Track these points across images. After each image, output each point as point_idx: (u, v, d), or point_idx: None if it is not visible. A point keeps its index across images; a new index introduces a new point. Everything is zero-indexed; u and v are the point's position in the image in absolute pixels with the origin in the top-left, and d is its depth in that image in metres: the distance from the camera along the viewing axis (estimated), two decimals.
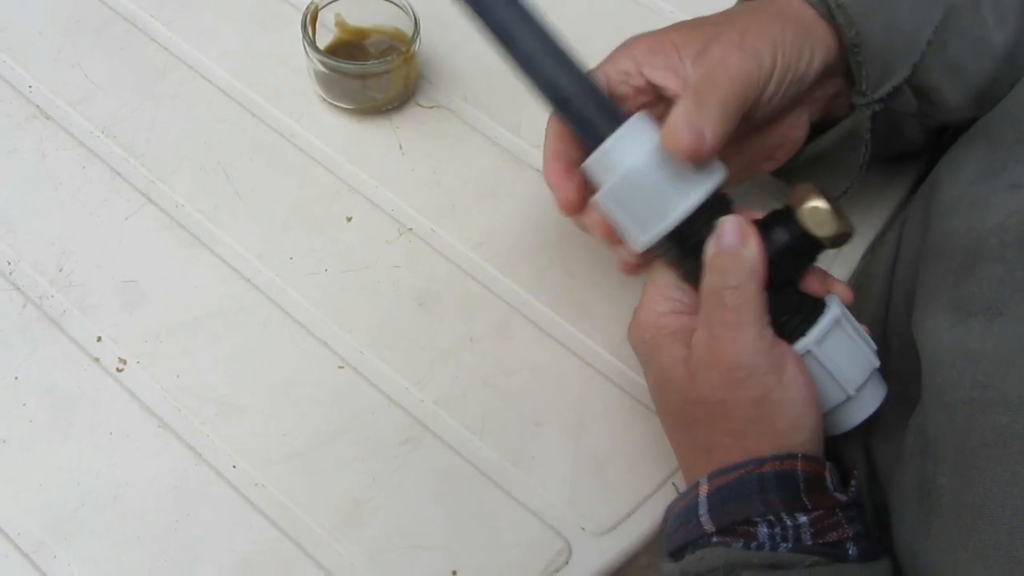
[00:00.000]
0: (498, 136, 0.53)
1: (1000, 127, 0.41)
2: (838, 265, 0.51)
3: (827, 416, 0.38)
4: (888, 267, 0.45)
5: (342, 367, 0.46)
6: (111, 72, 0.54)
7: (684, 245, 0.37)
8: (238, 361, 0.45)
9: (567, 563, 0.42)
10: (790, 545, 0.34)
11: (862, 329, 0.39)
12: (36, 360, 0.45)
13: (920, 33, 0.41)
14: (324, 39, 0.53)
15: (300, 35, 0.51)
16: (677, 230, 0.36)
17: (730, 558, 0.34)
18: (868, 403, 0.39)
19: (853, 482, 0.37)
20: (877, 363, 0.38)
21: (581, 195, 0.39)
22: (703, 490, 0.37)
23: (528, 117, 0.54)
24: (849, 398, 0.38)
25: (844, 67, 0.42)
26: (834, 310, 0.37)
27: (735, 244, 0.36)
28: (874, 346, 0.39)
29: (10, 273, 0.47)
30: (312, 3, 0.51)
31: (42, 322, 0.46)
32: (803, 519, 0.35)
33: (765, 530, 0.35)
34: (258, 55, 0.55)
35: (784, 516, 0.35)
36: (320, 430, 0.44)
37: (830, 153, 0.45)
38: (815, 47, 0.40)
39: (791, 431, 0.36)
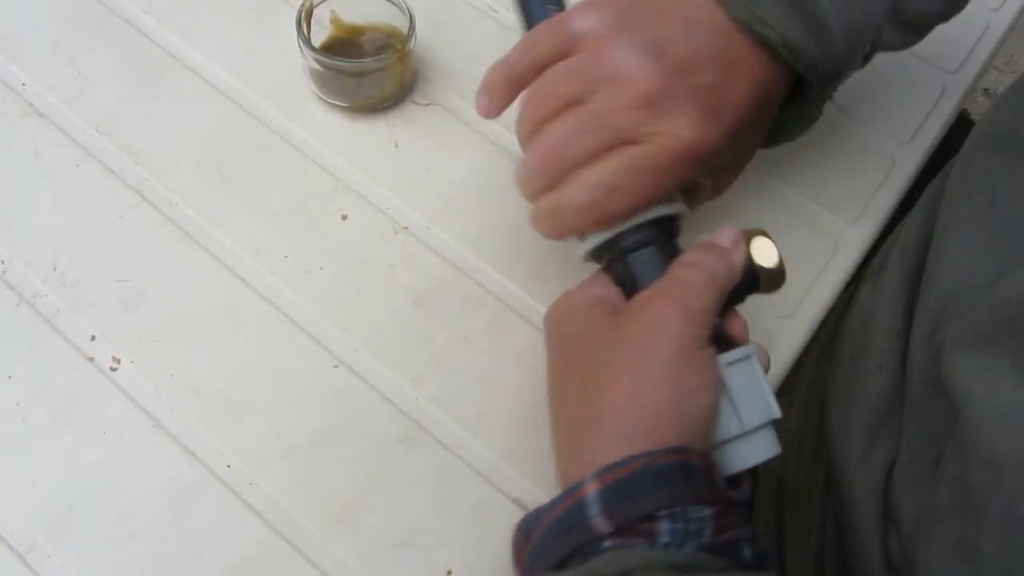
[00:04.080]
0: (494, 134, 0.53)
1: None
2: (823, 281, 0.50)
3: (715, 449, 0.37)
4: (896, 296, 0.44)
5: (337, 366, 0.46)
6: (105, 69, 0.53)
7: (614, 251, 0.39)
8: (232, 360, 0.45)
9: None
10: (695, 544, 0.32)
11: (769, 386, 0.38)
12: (30, 359, 0.45)
13: (868, 27, 0.39)
14: (319, 36, 0.53)
15: (295, 32, 0.50)
16: (611, 240, 0.39)
17: (648, 558, 0.31)
18: (758, 450, 0.37)
19: (745, 484, 0.36)
20: (777, 415, 0.37)
21: (502, 108, 0.40)
22: (591, 488, 0.33)
23: None
24: (744, 433, 0.36)
25: (791, 76, 0.40)
26: (749, 349, 0.38)
27: (726, 245, 0.37)
28: (777, 408, 0.37)
29: (3, 272, 0.47)
30: (307, 0, 0.51)
31: (36, 321, 0.46)
32: (707, 511, 0.33)
33: (667, 525, 0.32)
34: (253, 52, 0.55)
35: (689, 509, 0.32)
36: (315, 429, 0.44)
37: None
38: (772, 102, 0.39)
39: (695, 390, 0.34)
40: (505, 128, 0.53)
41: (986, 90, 1.59)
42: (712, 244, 0.38)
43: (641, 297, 0.37)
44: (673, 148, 0.36)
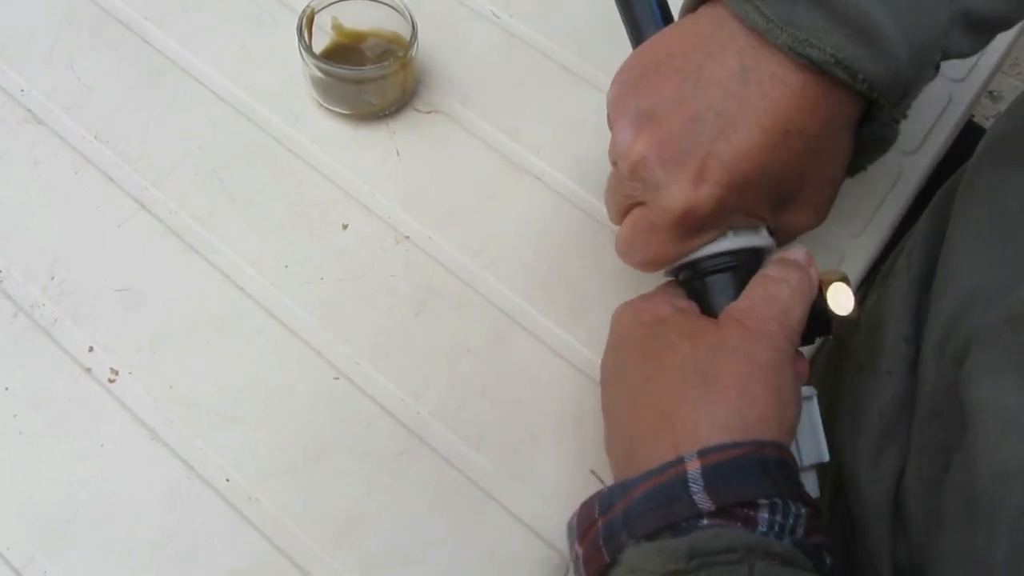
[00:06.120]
0: (497, 142, 0.53)
1: None
2: None
3: None
4: (905, 302, 0.44)
5: (337, 378, 0.45)
6: (104, 75, 0.53)
7: (694, 270, 0.40)
8: (232, 371, 0.45)
9: None
10: (790, 539, 0.33)
11: (823, 431, 0.39)
12: (27, 370, 0.44)
13: (933, 34, 0.37)
14: (320, 42, 0.52)
15: (296, 38, 0.50)
16: (693, 262, 0.40)
17: (750, 541, 0.31)
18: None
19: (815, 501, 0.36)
20: (827, 459, 0.38)
21: None
22: (693, 466, 0.33)
23: (527, 123, 0.53)
24: (799, 469, 0.37)
25: (859, 101, 0.39)
26: (811, 391, 0.39)
27: (801, 260, 0.39)
28: (828, 454, 0.38)
29: (0, 281, 0.46)
30: (308, 7, 0.51)
31: (33, 331, 0.45)
32: (804, 510, 0.33)
33: (766, 515, 0.33)
34: (254, 58, 0.54)
35: (789, 502, 0.33)
36: (314, 442, 0.43)
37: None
38: (824, 127, 0.38)
39: (790, 403, 0.36)
40: (507, 136, 0.53)
41: (991, 92, 1.59)
42: (792, 261, 0.39)
43: (738, 307, 0.38)
44: (666, 212, 0.38)
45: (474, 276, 0.48)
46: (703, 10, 0.39)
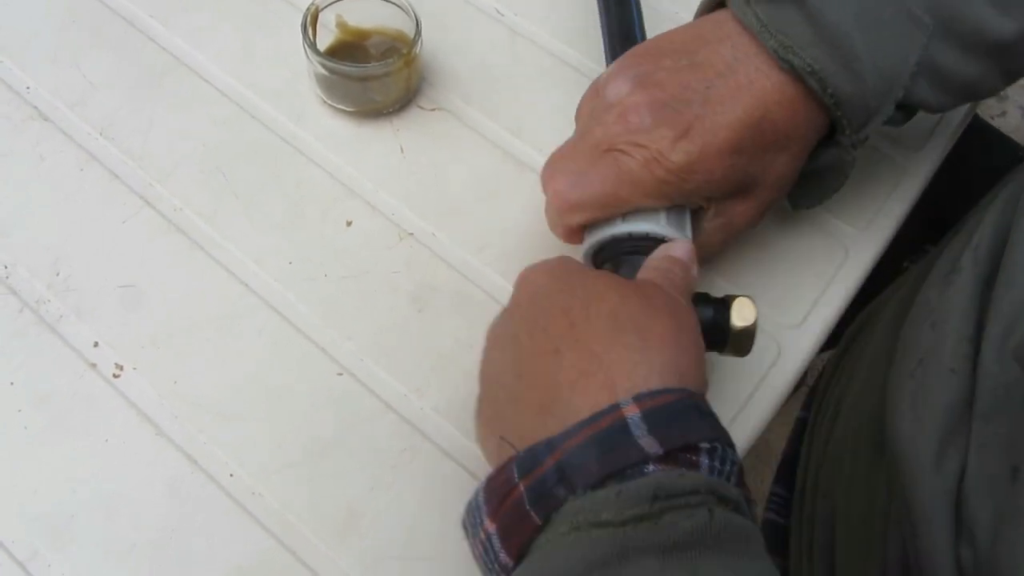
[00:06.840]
0: (500, 139, 0.53)
1: None
2: (832, 289, 0.50)
3: None
4: (970, 300, 0.44)
5: (341, 374, 0.45)
6: (109, 72, 0.53)
7: (614, 250, 0.43)
8: (235, 368, 0.45)
9: None
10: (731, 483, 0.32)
11: None
12: (32, 365, 0.44)
13: (900, 71, 0.41)
14: (324, 40, 0.52)
15: (300, 35, 0.50)
16: (609, 243, 0.43)
17: (711, 484, 0.30)
18: None
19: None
20: None
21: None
22: (631, 411, 0.32)
23: (530, 120, 0.53)
24: None
25: (825, 117, 0.42)
26: None
27: (683, 258, 0.40)
28: None
29: (6, 277, 0.46)
30: (313, 4, 0.51)
31: (38, 327, 0.45)
32: (736, 457, 0.33)
33: (706, 461, 0.32)
34: (257, 56, 0.55)
35: (726, 448, 0.32)
36: (318, 438, 0.44)
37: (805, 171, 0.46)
38: (786, 135, 0.42)
39: (704, 363, 0.37)
40: (510, 133, 0.53)
41: None
42: (675, 257, 0.41)
43: (644, 279, 0.39)
44: (638, 149, 0.40)
45: (477, 273, 0.48)
46: (708, 15, 0.44)
